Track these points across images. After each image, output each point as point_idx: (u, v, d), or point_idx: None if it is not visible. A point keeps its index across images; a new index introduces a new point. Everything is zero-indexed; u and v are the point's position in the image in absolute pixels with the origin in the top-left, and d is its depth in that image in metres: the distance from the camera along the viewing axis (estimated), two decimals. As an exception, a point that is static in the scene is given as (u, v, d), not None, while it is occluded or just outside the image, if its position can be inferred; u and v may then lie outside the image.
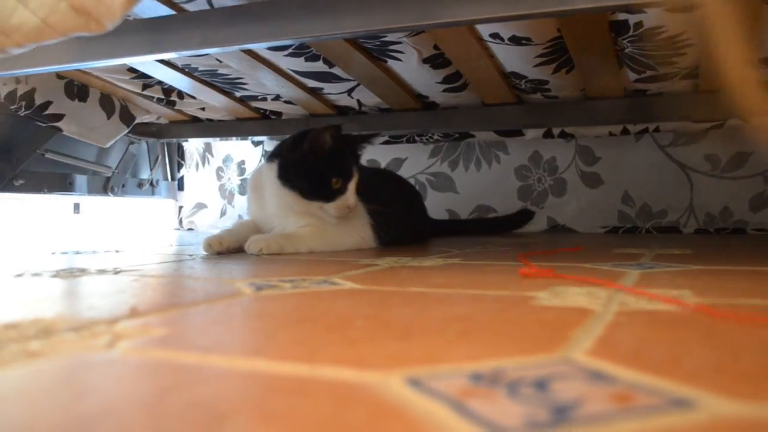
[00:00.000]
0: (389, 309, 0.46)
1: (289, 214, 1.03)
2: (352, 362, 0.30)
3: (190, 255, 0.98)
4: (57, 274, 0.69)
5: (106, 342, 0.35)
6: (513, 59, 1.20)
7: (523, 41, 1.09)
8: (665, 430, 0.21)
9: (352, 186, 1.00)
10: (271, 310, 0.47)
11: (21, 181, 1.49)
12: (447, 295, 0.52)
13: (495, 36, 1.09)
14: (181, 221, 2.03)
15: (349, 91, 1.44)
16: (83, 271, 0.72)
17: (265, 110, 1.66)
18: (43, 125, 1.48)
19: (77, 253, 1.01)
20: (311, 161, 1.00)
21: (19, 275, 0.68)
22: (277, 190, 1.02)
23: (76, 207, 1.91)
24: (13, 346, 0.34)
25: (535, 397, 0.24)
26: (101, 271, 0.72)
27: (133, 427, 0.22)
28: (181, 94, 1.55)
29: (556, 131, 1.62)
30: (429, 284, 0.58)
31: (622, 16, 1.01)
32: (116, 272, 0.71)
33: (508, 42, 1.10)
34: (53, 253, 1.00)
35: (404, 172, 1.79)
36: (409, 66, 1.26)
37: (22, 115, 1.41)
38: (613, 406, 0.23)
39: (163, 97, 1.55)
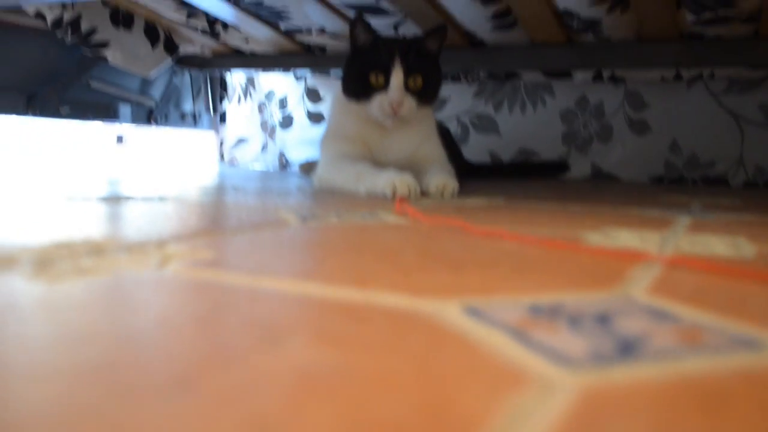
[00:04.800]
0: (438, 243, 0.45)
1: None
2: (406, 290, 0.29)
3: (233, 187, 0.98)
4: (104, 200, 0.70)
5: (157, 262, 0.35)
6: (567, -4, 1.15)
7: (579, -22, 1.05)
8: (737, 368, 0.20)
9: (394, 81, 0.93)
10: (319, 239, 0.47)
11: (66, 108, 1.50)
12: (496, 231, 0.51)
13: (550, -29, 1.05)
14: (222, 155, 2.03)
15: (396, 26, 1.41)
16: (129, 198, 0.72)
17: (309, 44, 1.64)
18: (89, 53, 1.48)
19: (122, 181, 1.02)
20: (351, 61, 0.99)
21: (67, 199, 0.69)
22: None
23: (120, 138, 1.92)
24: (66, 263, 0.34)
25: (598, 331, 0.23)
26: (147, 199, 0.72)
27: (189, 340, 0.22)
28: (225, 25, 1.53)
29: (605, 74, 1.57)
30: (476, 222, 0.57)
31: (685, -47, 0.96)
32: (161, 200, 0.71)
33: (563, -22, 1.06)
34: (99, 181, 1.01)
35: (447, 112, 1.76)
36: (459, 1, 1.22)
37: (68, 42, 1.42)
38: (681, 343, 0.22)
39: (207, 27, 1.53)
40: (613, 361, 0.20)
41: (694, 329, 0.24)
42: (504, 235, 0.48)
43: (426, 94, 0.97)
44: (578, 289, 0.31)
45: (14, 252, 0.37)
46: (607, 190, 1.18)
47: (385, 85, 0.94)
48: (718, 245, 0.47)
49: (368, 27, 0.98)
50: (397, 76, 0.93)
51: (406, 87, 0.94)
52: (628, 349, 0.22)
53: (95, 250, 0.38)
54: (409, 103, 0.94)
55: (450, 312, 0.25)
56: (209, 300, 0.27)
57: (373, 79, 0.94)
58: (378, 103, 0.94)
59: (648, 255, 0.41)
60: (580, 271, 0.36)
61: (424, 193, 0.87)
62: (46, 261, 0.34)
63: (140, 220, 0.54)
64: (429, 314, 0.25)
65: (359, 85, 0.96)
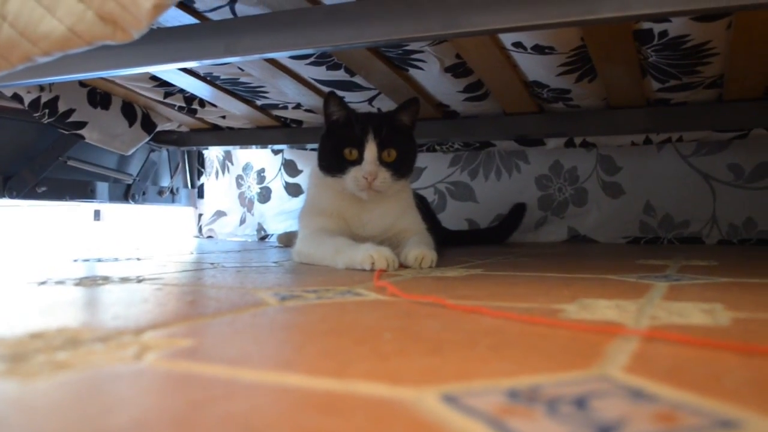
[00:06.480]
0: (416, 321, 0.45)
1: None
2: (385, 377, 0.29)
3: (211, 263, 0.97)
4: (80, 282, 0.69)
5: (134, 353, 0.35)
6: (536, 68, 1.19)
7: (546, 50, 1.09)
8: (713, 453, 0.20)
9: (367, 155, 0.95)
10: (297, 322, 0.47)
11: (43, 188, 1.50)
12: (474, 307, 0.51)
13: (518, 45, 1.08)
14: (200, 229, 2.03)
15: (370, 100, 1.44)
16: (106, 280, 0.72)
17: (286, 119, 1.67)
18: (66, 133, 1.49)
19: (99, 260, 1.02)
20: (326, 137, 1.01)
21: (42, 283, 0.69)
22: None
23: (97, 214, 1.92)
24: (41, 357, 0.34)
25: (576, 416, 0.23)
26: (124, 280, 0.72)
27: (166, 444, 0.21)
28: (202, 102, 1.55)
29: (577, 140, 1.61)
30: (454, 296, 0.57)
31: (646, 25, 1.00)
32: (139, 281, 0.71)
33: (531, 51, 1.09)
34: (75, 261, 1.00)
35: (424, 181, 1.78)
36: (431, 75, 1.25)
37: (45, 122, 1.42)
38: (659, 426, 0.23)
39: (184, 105, 1.55)
40: (591, 451, 0.20)
41: (672, 410, 0.24)
42: (482, 311, 0.48)
43: (401, 166, 0.98)
44: (556, 369, 0.31)
45: (-12, 346, 0.36)
46: (583, 254, 1.19)
47: (360, 159, 0.95)
48: (694, 313, 0.47)
49: (341, 103, 1.00)
50: (370, 150, 0.95)
51: (381, 160, 0.95)
52: (605, 435, 0.22)
53: (71, 340, 0.38)
54: (384, 175, 0.95)
55: (428, 401, 0.25)
56: (186, 396, 0.27)
57: (347, 153, 0.96)
58: (353, 177, 0.95)
59: (625, 328, 0.41)
60: (557, 347, 0.36)
61: (403, 265, 0.88)
62: (21, 355, 0.34)
63: (117, 306, 0.53)
64: (407, 403, 0.25)
65: (334, 160, 0.98)
